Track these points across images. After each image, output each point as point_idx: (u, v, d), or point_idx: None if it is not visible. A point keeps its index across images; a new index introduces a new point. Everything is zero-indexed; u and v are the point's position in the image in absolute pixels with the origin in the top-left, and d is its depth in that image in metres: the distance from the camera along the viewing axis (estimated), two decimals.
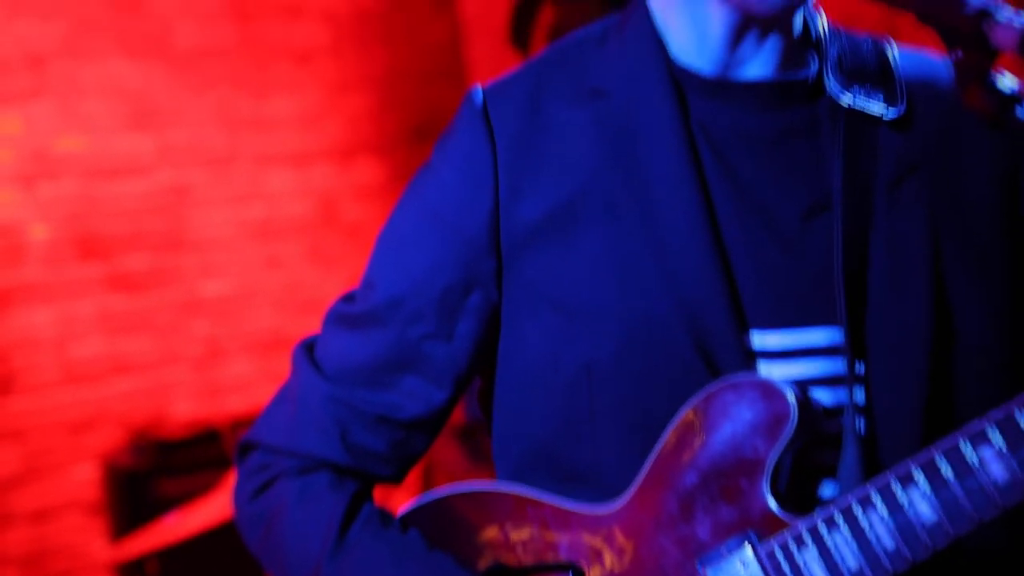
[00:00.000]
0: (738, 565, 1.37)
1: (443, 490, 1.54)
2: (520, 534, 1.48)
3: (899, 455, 1.35)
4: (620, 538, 1.42)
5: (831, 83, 1.44)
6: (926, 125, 1.45)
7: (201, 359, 5.13)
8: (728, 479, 1.38)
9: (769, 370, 1.40)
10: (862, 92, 1.44)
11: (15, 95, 4.75)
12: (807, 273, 1.42)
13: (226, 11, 5.28)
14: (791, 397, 1.36)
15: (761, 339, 1.41)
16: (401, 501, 1.58)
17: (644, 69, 1.45)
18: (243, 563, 2.35)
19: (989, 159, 1.47)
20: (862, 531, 1.33)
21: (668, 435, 1.40)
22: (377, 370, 1.53)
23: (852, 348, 1.39)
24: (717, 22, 1.43)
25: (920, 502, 1.32)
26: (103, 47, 4.95)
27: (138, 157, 5.02)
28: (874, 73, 1.46)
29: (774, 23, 1.44)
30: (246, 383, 5.20)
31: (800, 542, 1.36)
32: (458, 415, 1.65)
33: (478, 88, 1.51)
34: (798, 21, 1.47)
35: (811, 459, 1.40)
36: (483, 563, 1.48)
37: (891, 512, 1.33)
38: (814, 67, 1.46)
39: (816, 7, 1.48)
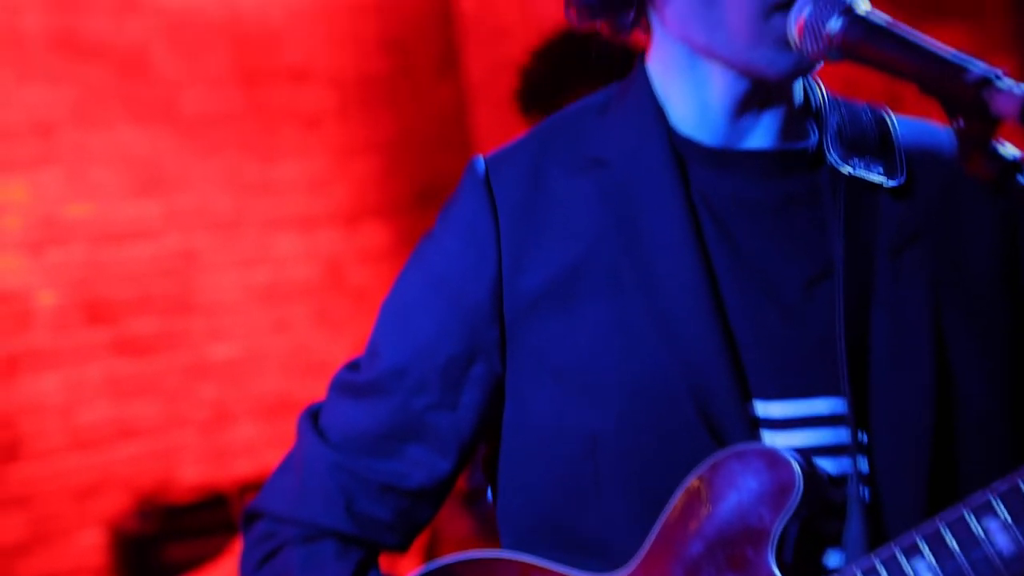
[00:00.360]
0: None
1: (449, 558, 1.53)
2: None
3: (904, 524, 1.35)
4: None
5: (831, 154, 1.45)
6: (927, 193, 1.46)
7: (208, 423, 5.13)
8: (734, 548, 1.37)
9: (773, 439, 1.40)
10: (862, 163, 1.45)
11: (23, 162, 4.78)
12: (809, 342, 1.42)
13: (233, 76, 5.31)
14: (796, 466, 1.36)
15: (765, 408, 1.41)
16: (407, 569, 1.57)
17: (645, 139, 1.46)
18: None
19: (990, 226, 1.47)
20: None
21: (674, 504, 1.40)
22: (382, 439, 1.52)
23: (855, 418, 1.39)
24: (719, 91, 1.44)
25: (925, 573, 1.31)
26: (111, 114, 4.99)
27: (145, 222, 5.04)
28: (874, 144, 1.47)
29: (777, 90, 1.44)
30: (253, 447, 5.19)
31: None
32: (463, 481, 1.65)
33: (480, 158, 1.52)
34: (798, 91, 1.47)
35: (816, 528, 1.39)
36: None
37: None
38: (814, 138, 1.47)
39: (815, 77, 1.49)
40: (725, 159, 1.45)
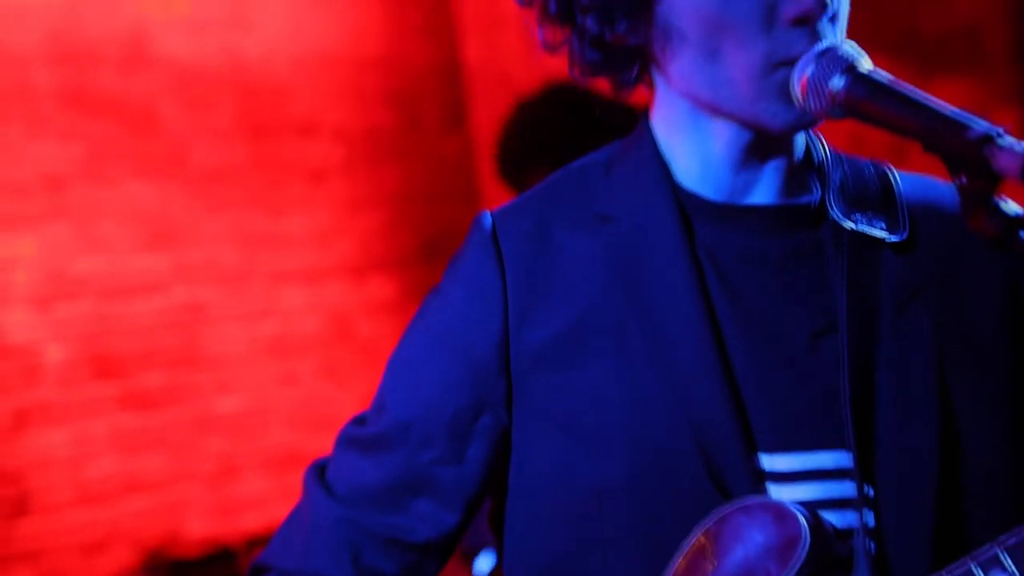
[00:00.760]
0: None
1: None
2: None
3: None
4: None
5: (834, 209, 1.46)
6: (929, 248, 1.47)
7: (215, 476, 5.12)
8: None
9: (779, 492, 1.40)
10: (865, 219, 1.46)
11: (32, 217, 4.80)
12: (814, 396, 1.42)
13: (241, 131, 5.34)
14: (803, 520, 1.36)
15: (770, 462, 1.41)
16: None
17: (650, 195, 1.47)
18: None
19: (993, 281, 1.48)
20: None
21: (680, 559, 1.40)
22: (388, 493, 1.53)
23: (861, 472, 1.39)
24: (722, 145, 1.45)
25: None
26: (119, 168, 5.01)
27: (153, 276, 5.05)
28: (876, 199, 1.48)
29: (780, 144, 1.46)
30: (261, 500, 5.19)
31: None
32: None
33: (487, 213, 1.54)
34: (800, 146, 1.49)
35: None
36: None
37: None
38: (817, 193, 1.48)
39: (818, 133, 1.50)
40: (729, 214, 1.46)
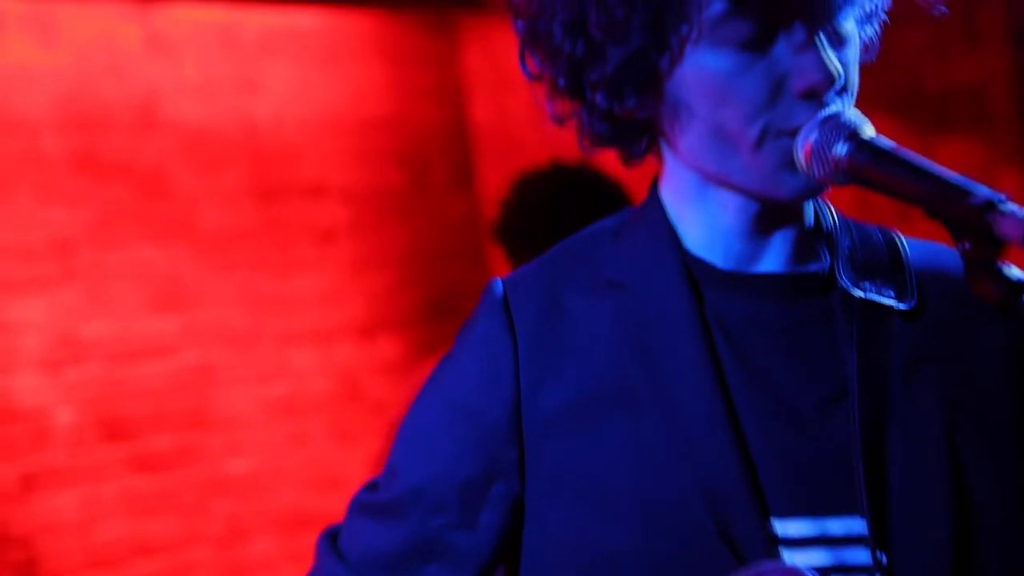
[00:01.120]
0: None
1: None
2: None
3: None
4: None
5: (843, 277, 1.47)
6: (938, 315, 1.47)
7: (224, 539, 5.12)
8: None
9: (792, 558, 1.40)
10: (873, 287, 1.46)
11: (42, 281, 4.82)
12: (826, 461, 1.42)
13: (250, 193, 5.37)
14: None
15: (783, 527, 1.41)
16: None
17: (659, 262, 1.48)
18: None
19: (1002, 347, 1.48)
20: None
21: None
22: (400, 559, 1.53)
23: (875, 538, 1.39)
24: (731, 215, 1.46)
25: None
26: (129, 231, 5.04)
27: (163, 338, 5.07)
28: (885, 266, 1.49)
29: (788, 213, 1.47)
30: (270, 562, 5.18)
31: None
32: None
33: (498, 280, 1.54)
34: (809, 214, 1.50)
35: None
36: None
37: None
38: (826, 261, 1.49)
39: (825, 200, 1.51)
40: (738, 282, 1.47)
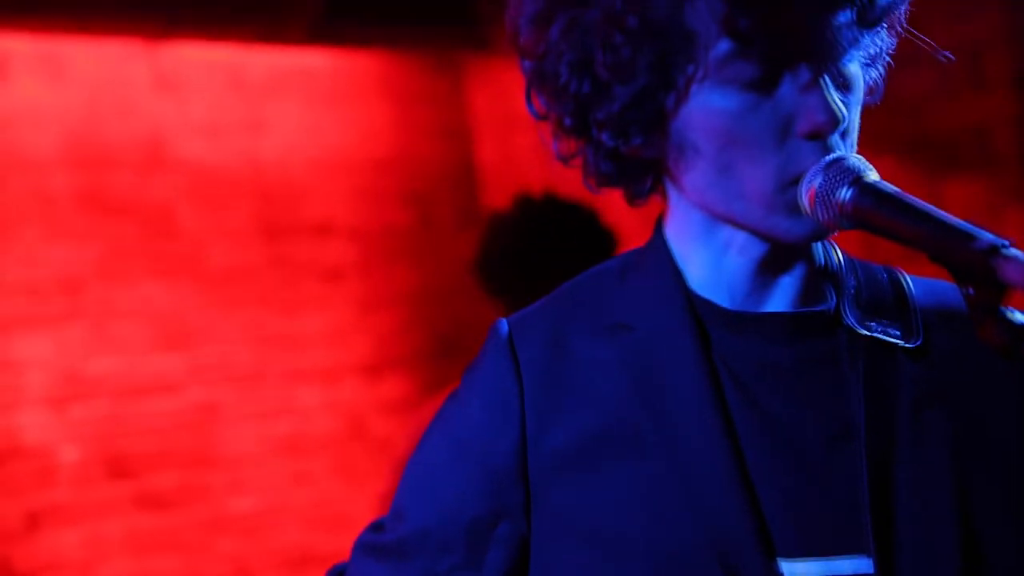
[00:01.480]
0: None
1: None
2: None
3: None
4: None
5: (849, 317, 1.47)
6: (944, 354, 1.48)
7: None
8: None
9: None
10: (879, 327, 1.47)
11: (49, 319, 4.83)
12: (833, 501, 1.42)
13: (256, 231, 5.38)
14: None
15: (790, 567, 1.41)
16: None
17: (665, 303, 1.48)
18: None
19: (1009, 385, 1.49)
20: None
21: None
22: None
23: None
24: (737, 255, 1.46)
25: None
26: (136, 269, 5.05)
27: (168, 376, 5.07)
28: (891, 306, 1.49)
29: (794, 253, 1.47)
30: None
31: None
32: None
33: (503, 321, 1.54)
34: (815, 254, 1.50)
35: None
36: None
37: None
38: (832, 300, 1.49)
39: (831, 240, 1.52)
40: (744, 322, 1.47)
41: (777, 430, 1.44)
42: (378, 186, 5.76)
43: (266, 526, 5.21)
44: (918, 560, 1.40)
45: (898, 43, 1.47)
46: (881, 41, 1.45)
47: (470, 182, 6.05)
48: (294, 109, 5.56)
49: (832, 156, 1.37)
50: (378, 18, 5.38)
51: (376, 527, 1.58)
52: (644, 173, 1.48)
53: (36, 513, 4.70)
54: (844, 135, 1.40)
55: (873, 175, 1.36)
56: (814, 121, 1.37)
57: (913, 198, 1.33)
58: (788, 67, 1.37)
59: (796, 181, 1.38)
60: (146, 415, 4.99)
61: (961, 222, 1.28)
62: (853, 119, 1.41)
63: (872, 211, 1.33)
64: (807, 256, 1.49)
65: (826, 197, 1.35)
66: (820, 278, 1.50)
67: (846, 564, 1.41)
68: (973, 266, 1.24)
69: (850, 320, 1.46)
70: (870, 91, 1.46)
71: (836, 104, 1.37)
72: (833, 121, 1.37)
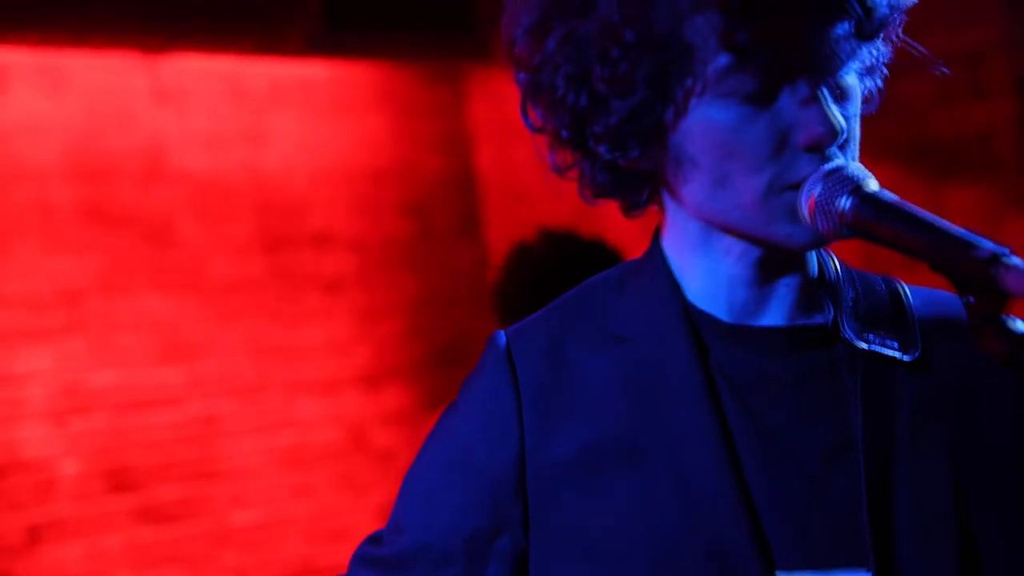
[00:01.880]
0: None
1: None
2: None
3: None
4: None
5: (847, 329, 1.46)
6: (943, 365, 1.47)
7: None
8: None
9: None
10: (877, 339, 1.46)
11: (49, 331, 4.82)
12: (832, 513, 1.41)
13: (257, 243, 5.38)
14: None
15: None
16: None
17: (663, 314, 1.48)
18: None
19: (1009, 396, 1.48)
20: None
21: None
22: None
23: None
24: (733, 261, 1.46)
25: None
26: (136, 281, 5.04)
27: (169, 388, 5.06)
28: (889, 318, 1.49)
29: (792, 263, 1.47)
30: None
31: None
32: None
33: (501, 332, 1.54)
34: (812, 264, 1.49)
35: None
36: None
37: None
38: (829, 313, 1.48)
39: (829, 251, 1.51)
40: (742, 335, 1.46)
41: (775, 442, 1.43)
42: (378, 196, 5.76)
43: (268, 539, 5.21)
44: (916, 572, 1.39)
45: (897, 51, 1.47)
46: (878, 51, 1.44)
47: (470, 192, 6.05)
48: (294, 120, 5.57)
49: (832, 165, 1.37)
50: (377, 28, 5.39)
51: (374, 540, 1.57)
52: (641, 185, 1.47)
53: (37, 527, 4.69)
54: (843, 146, 1.39)
55: (873, 184, 1.36)
56: (813, 133, 1.36)
57: (914, 207, 1.32)
58: (786, 80, 1.37)
59: (793, 187, 1.38)
60: (147, 428, 4.99)
61: (962, 231, 1.27)
62: (853, 130, 1.41)
63: (872, 220, 1.33)
64: (804, 267, 1.48)
65: (826, 206, 1.35)
66: (818, 289, 1.49)
67: None
68: (974, 275, 1.24)
69: (848, 333, 1.46)
70: (867, 100, 1.45)
71: (835, 116, 1.37)
72: (832, 133, 1.36)
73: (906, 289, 1.52)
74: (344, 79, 5.71)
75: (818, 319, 1.48)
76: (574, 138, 1.45)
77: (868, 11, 1.37)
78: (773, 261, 1.45)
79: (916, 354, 1.46)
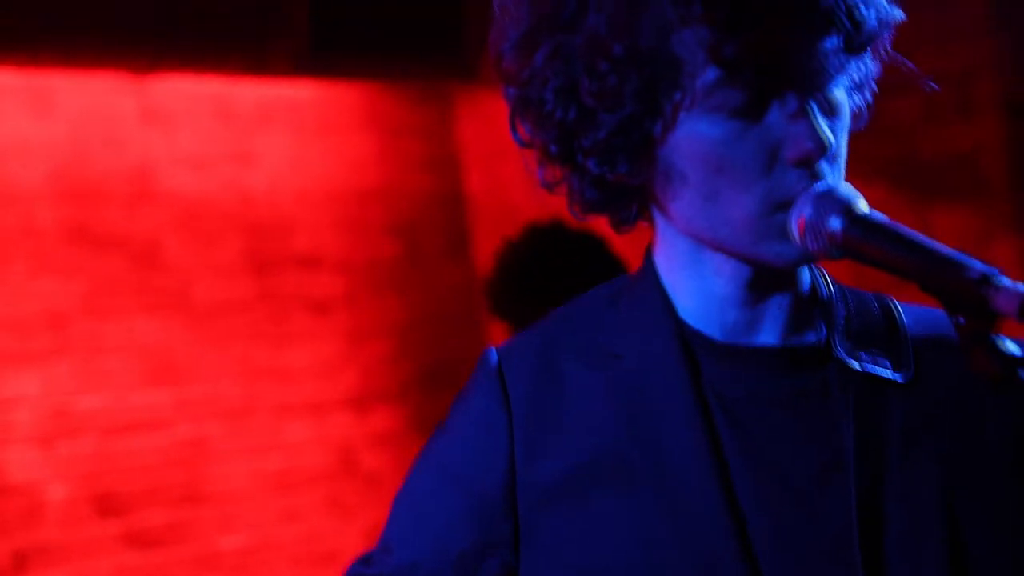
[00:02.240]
0: None
1: None
2: None
3: None
4: None
5: (839, 349, 1.45)
6: (935, 384, 1.46)
7: None
8: None
9: None
10: (870, 358, 1.45)
11: (35, 354, 4.80)
12: (823, 534, 1.41)
13: (244, 265, 5.37)
14: None
15: None
16: None
17: (655, 332, 1.47)
18: None
19: (1002, 416, 1.47)
20: None
21: None
22: None
23: None
24: (724, 281, 1.45)
25: None
26: (123, 304, 5.03)
27: (156, 412, 5.04)
28: (881, 336, 1.48)
29: (783, 280, 1.46)
30: None
31: None
32: None
33: (492, 349, 1.53)
34: (804, 282, 1.49)
35: None
36: None
37: None
38: (822, 331, 1.47)
39: (820, 267, 1.51)
40: (734, 354, 1.45)
41: (768, 463, 1.43)
42: (366, 217, 5.76)
43: (256, 563, 5.18)
44: None
45: (886, 69, 1.46)
46: (867, 67, 1.44)
47: (458, 213, 6.05)
48: (281, 141, 5.56)
49: (822, 186, 1.36)
50: (364, 49, 5.39)
51: (364, 561, 1.56)
52: (630, 200, 1.47)
53: (23, 552, 4.67)
54: (832, 161, 1.39)
55: (863, 205, 1.35)
56: (802, 148, 1.36)
57: (903, 227, 1.32)
58: (775, 94, 1.37)
59: (783, 206, 1.37)
60: (134, 451, 4.96)
61: (952, 251, 1.27)
62: (840, 145, 1.41)
63: (862, 241, 1.33)
64: (796, 285, 1.47)
65: (816, 227, 1.35)
66: (810, 308, 1.49)
67: None
68: (964, 295, 1.23)
69: (840, 352, 1.45)
70: (855, 116, 1.45)
71: (823, 131, 1.37)
72: (821, 148, 1.36)
73: (899, 307, 1.52)
74: (331, 100, 5.71)
75: (810, 338, 1.47)
76: (563, 153, 1.44)
77: (857, 25, 1.36)
78: (764, 280, 1.45)
79: (909, 373, 1.45)
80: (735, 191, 1.38)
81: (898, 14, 1.42)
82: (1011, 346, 1.23)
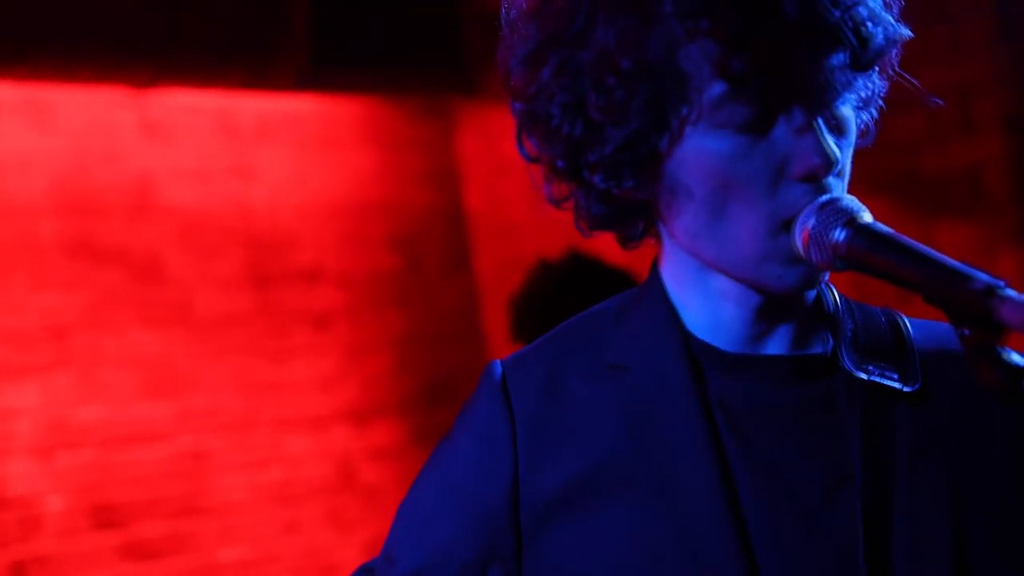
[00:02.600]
0: None
1: None
2: None
3: None
4: None
5: (846, 360, 1.45)
6: (942, 396, 1.46)
7: None
8: None
9: None
10: (877, 370, 1.45)
11: (36, 367, 4.80)
12: (829, 549, 1.40)
13: (245, 278, 5.36)
14: None
15: None
16: None
17: (661, 344, 1.47)
18: None
19: (1009, 427, 1.47)
20: None
21: None
22: None
23: None
24: (731, 305, 1.45)
25: None
26: (123, 316, 5.02)
27: (156, 424, 5.04)
28: (888, 349, 1.48)
29: (790, 300, 1.46)
30: None
31: None
32: None
33: (497, 362, 1.53)
34: (811, 297, 1.49)
35: None
36: None
37: None
38: (829, 343, 1.47)
39: (828, 282, 1.50)
40: (741, 365, 1.45)
41: (774, 475, 1.43)
42: (366, 231, 5.76)
43: (255, 575, 5.17)
44: None
45: (890, 86, 1.47)
46: (873, 84, 1.44)
47: (458, 227, 6.05)
48: (282, 155, 5.56)
49: (826, 197, 1.36)
50: (365, 64, 5.39)
51: (366, 571, 1.56)
52: (636, 216, 1.47)
53: (22, 564, 4.66)
54: (838, 177, 1.39)
55: (867, 216, 1.35)
56: (809, 164, 1.36)
57: (908, 239, 1.32)
58: (782, 110, 1.37)
59: (788, 224, 1.37)
60: (134, 464, 4.96)
61: (957, 263, 1.27)
62: (846, 161, 1.41)
63: (866, 252, 1.32)
64: (803, 302, 1.47)
65: (820, 238, 1.35)
66: (817, 321, 1.49)
67: None
68: (969, 307, 1.23)
69: (848, 364, 1.45)
70: (862, 134, 1.45)
71: (830, 147, 1.37)
72: (827, 164, 1.36)
73: (906, 321, 1.52)
74: (332, 114, 5.71)
75: (817, 350, 1.47)
76: (569, 168, 1.44)
77: (863, 42, 1.37)
78: (771, 302, 1.45)
79: (916, 386, 1.45)
80: (741, 207, 1.38)
81: (905, 32, 1.42)
82: (1017, 358, 1.22)
